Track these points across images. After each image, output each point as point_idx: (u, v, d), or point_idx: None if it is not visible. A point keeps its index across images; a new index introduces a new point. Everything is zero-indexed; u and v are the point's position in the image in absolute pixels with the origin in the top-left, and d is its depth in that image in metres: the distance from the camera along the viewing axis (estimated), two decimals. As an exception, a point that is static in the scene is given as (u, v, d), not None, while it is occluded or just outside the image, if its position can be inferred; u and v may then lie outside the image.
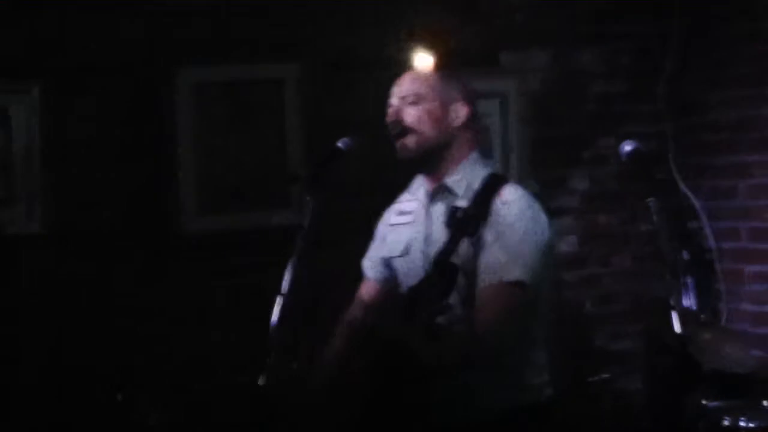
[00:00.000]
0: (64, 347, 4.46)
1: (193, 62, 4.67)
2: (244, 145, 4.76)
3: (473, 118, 3.48)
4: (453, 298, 3.22)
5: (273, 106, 4.80)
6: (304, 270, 3.19)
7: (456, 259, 3.24)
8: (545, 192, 5.17)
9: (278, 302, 3.12)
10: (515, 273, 3.23)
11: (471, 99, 3.50)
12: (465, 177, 3.41)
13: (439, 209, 3.41)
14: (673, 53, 5.33)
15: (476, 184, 3.37)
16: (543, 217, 3.38)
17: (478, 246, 3.25)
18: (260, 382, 3.10)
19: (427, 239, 3.42)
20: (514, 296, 3.24)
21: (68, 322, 4.46)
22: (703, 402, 4.01)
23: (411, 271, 3.41)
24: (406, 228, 3.51)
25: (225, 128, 4.74)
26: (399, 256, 3.51)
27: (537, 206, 3.39)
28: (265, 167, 4.78)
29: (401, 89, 3.47)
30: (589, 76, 5.34)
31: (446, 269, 3.21)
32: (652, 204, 3.19)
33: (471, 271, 3.26)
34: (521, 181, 4.93)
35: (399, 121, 3.42)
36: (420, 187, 3.51)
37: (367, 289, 3.65)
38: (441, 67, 3.61)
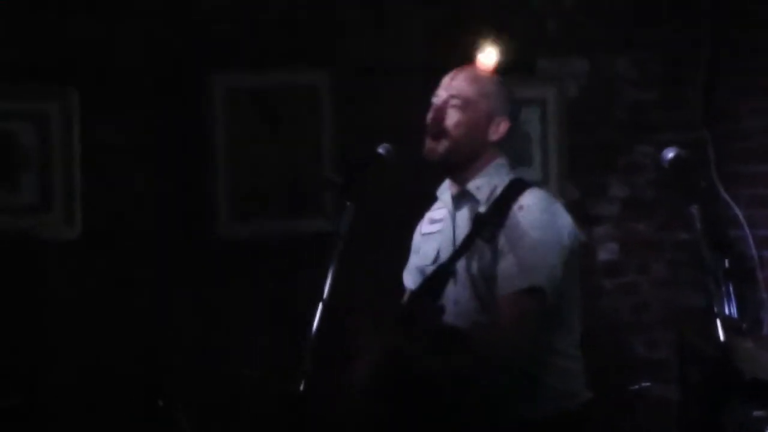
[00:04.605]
0: (102, 353, 4.47)
1: (228, 69, 4.68)
2: (278, 152, 4.75)
3: (509, 135, 3.40)
4: (474, 305, 3.24)
5: (307, 112, 4.80)
6: (343, 276, 3.17)
7: (475, 266, 3.23)
8: (584, 199, 5.18)
9: (319, 308, 3.10)
10: (532, 280, 3.16)
11: (514, 113, 3.42)
12: (488, 182, 3.34)
13: (464, 215, 3.36)
14: (705, 61, 5.30)
15: (500, 189, 3.32)
16: (563, 222, 3.29)
17: (496, 252, 3.21)
18: (299, 388, 3.07)
19: (455, 246, 3.35)
20: (533, 303, 3.17)
21: (105, 327, 4.47)
22: (745, 411, 3.97)
23: (442, 278, 3.37)
24: (437, 236, 3.45)
25: (259, 134, 4.74)
26: (431, 264, 3.43)
27: (557, 211, 3.30)
28: (298, 173, 4.77)
29: (453, 85, 3.36)
30: (626, 83, 5.33)
31: (438, 273, 3.21)
32: (694, 211, 3.14)
33: (491, 277, 3.22)
34: (559, 188, 4.99)
35: (439, 122, 3.33)
36: (446, 191, 3.45)
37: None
38: (492, 73, 3.48)
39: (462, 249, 3.25)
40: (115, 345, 4.47)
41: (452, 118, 3.34)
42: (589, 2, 5.25)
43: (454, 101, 3.34)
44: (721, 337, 3.05)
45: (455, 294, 3.30)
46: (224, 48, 4.69)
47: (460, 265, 3.28)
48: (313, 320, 3.09)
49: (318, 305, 3.10)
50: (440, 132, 3.33)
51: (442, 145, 3.33)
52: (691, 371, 4.97)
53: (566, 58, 5.20)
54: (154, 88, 4.62)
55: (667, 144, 3.39)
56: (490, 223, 3.21)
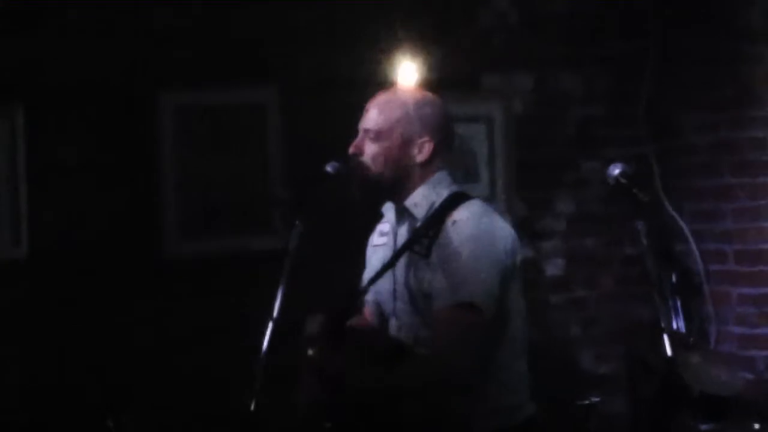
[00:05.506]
0: (51, 373, 4.44)
1: (175, 86, 4.66)
2: (226, 169, 4.74)
3: (440, 151, 3.37)
4: (415, 320, 3.25)
5: (255, 129, 4.79)
6: (292, 294, 3.16)
7: (413, 280, 3.24)
8: (531, 215, 5.20)
9: (269, 327, 3.09)
10: (463, 294, 3.15)
11: (441, 131, 3.39)
12: (426, 198, 3.33)
13: (404, 231, 3.37)
14: (651, 76, 5.34)
15: (437, 203, 3.32)
16: (499, 235, 3.27)
17: (430, 267, 3.22)
18: (250, 407, 3.06)
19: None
20: (466, 318, 3.15)
21: (54, 347, 4.43)
22: (692, 424, 4.00)
23: (384, 293, 3.37)
24: (383, 249, 3.46)
25: (207, 152, 4.72)
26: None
27: (493, 224, 3.29)
28: (246, 191, 4.76)
29: (366, 120, 3.38)
30: (571, 99, 5.34)
31: (351, 290, 3.25)
32: (639, 226, 3.17)
33: (428, 292, 3.22)
34: (507, 204, 5.01)
35: (357, 155, 3.35)
36: (390, 208, 3.46)
37: (367, 313, 3.58)
38: (418, 89, 3.50)
39: (389, 265, 3.26)
40: (63, 365, 4.44)
41: (369, 150, 3.35)
42: (535, 18, 5.27)
43: (369, 134, 3.36)
44: (668, 351, 3.07)
45: (397, 309, 3.33)
46: (173, 65, 4.67)
47: (400, 280, 3.30)
48: (263, 338, 3.09)
49: (268, 323, 3.10)
50: (360, 163, 3.35)
51: (366, 173, 3.35)
52: (639, 385, 5.00)
53: (512, 73, 5.22)
54: (101, 106, 4.60)
55: (614, 159, 3.42)
56: (423, 238, 3.22)
